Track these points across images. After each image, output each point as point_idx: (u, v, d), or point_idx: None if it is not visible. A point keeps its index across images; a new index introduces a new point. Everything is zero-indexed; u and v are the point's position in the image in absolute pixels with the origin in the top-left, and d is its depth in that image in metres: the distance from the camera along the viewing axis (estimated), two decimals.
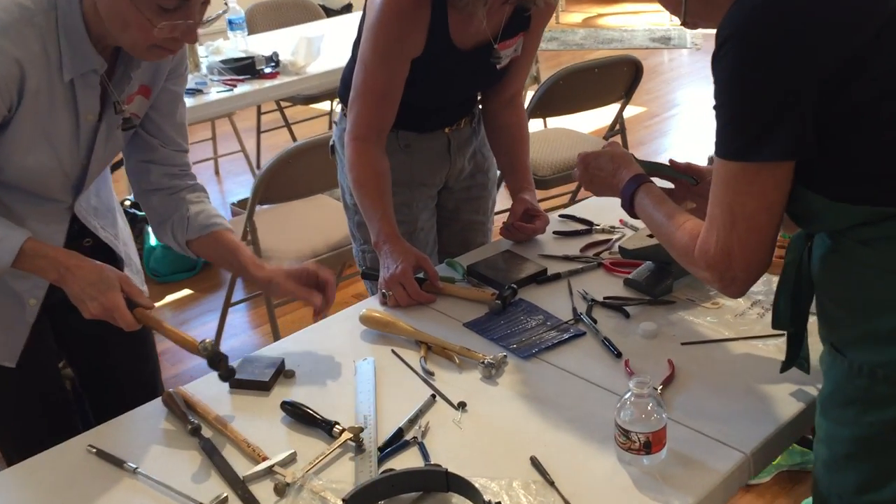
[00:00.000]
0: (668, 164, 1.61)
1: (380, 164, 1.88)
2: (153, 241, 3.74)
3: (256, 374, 1.53)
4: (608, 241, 1.98)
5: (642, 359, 1.53)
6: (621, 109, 3.66)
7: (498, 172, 2.21)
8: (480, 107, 2.13)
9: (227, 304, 3.22)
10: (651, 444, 1.25)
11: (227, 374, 1.48)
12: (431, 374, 1.52)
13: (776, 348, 1.53)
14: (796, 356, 1.39)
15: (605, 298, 1.73)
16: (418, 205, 2.08)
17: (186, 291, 3.77)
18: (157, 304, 1.91)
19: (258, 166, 5.09)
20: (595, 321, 1.65)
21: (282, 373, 1.55)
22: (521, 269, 1.83)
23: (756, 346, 1.55)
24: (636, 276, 1.78)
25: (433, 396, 1.46)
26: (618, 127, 3.73)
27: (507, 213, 2.02)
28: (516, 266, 1.85)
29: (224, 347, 3.25)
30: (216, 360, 1.47)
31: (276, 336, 2.88)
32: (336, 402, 1.47)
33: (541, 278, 1.82)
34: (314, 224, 3.01)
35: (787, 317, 1.32)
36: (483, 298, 1.74)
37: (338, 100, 2.11)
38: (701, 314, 1.67)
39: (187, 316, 3.60)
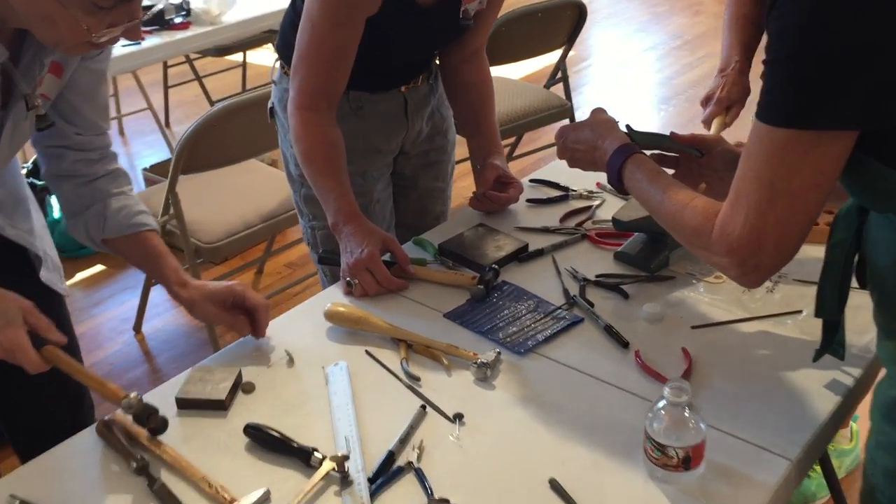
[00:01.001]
0: (668, 135, 1.42)
1: (331, 134, 1.64)
2: (57, 212, 3.38)
3: (209, 390, 1.29)
4: (588, 208, 1.79)
5: (651, 348, 1.36)
6: (564, 56, 3.46)
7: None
8: (438, 60, 1.89)
9: (149, 281, 2.93)
10: (690, 459, 1.08)
11: (159, 429, 1.21)
12: (416, 378, 1.31)
13: (795, 327, 1.38)
14: (831, 342, 1.24)
15: (597, 277, 1.55)
16: (373, 174, 1.85)
17: (99, 267, 3.43)
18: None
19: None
20: (592, 305, 1.46)
21: (239, 387, 1.32)
22: (500, 246, 1.63)
23: (773, 326, 1.40)
24: (628, 248, 1.60)
25: (423, 408, 1.25)
26: (559, 75, 3.53)
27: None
28: (493, 242, 1.65)
29: (147, 329, 2.97)
30: (143, 416, 1.20)
31: (211, 331, 2.62)
32: (308, 420, 1.25)
33: (522, 255, 1.62)
34: (244, 192, 2.73)
35: (836, 304, 1.16)
36: (462, 283, 1.53)
37: (276, 57, 1.84)
38: (705, 291, 1.50)
39: (102, 295, 3.27)
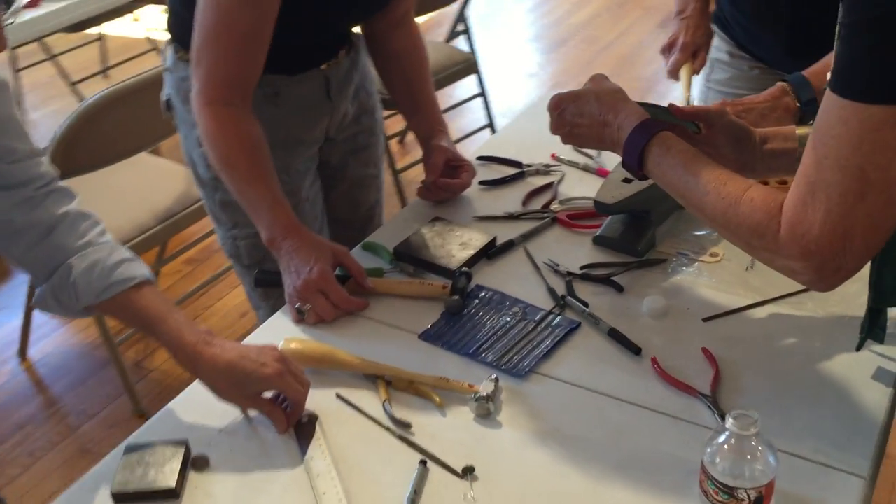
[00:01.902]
0: (665, 107, 1.23)
1: (252, 132, 1.37)
2: None
3: (153, 476, 1.03)
4: (550, 185, 1.59)
5: (665, 351, 1.18)
6: (464, 5, 3.22)
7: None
8: (359, 29, 1.63)
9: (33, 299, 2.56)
10: (762, 499, 0.91)
11: None
12: (406, 425, 1.09)
13: (815, 306, 1.24)
14: (874, 328, 1.09)
15: (583, 269, 1.35)
16: (298, 169, 1.58)
17: None
18: None
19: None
20: (586, 305, 1.27)
21: (189, 463, 1.06)
22: (464, 243, 1.41)
23: (790, 308, 1.24)
24: (608, 231, 1.42)
25: (423, 463, 1.03)
26: (461, 27, 3.29)
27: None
28: (455, 239, 1.42)
29: (34, 354, 2.61)
30: None
31: (108, 339, 2.29)
32: (286, 499, 1.01)
33: (491, 251, 1.41)
34: (132, 191, 2.38)
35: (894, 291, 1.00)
36: (432, 294, 1.31)
37: (169, 37, 1.53)
38: (705, 273, 1.33)
39: None
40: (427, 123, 1.61)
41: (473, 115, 3.71)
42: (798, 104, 1.38)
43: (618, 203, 1.35)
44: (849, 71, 0.80)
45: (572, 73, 4.38)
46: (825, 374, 1.13)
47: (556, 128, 1.19)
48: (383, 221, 1.85)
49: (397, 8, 1.56)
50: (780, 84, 1.41)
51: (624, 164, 1.09)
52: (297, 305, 1.26)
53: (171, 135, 2.36)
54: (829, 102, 0.82)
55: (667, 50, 1.66)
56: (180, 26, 1.46)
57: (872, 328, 1.09)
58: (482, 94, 3.32)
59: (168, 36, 1.53)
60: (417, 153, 3.73)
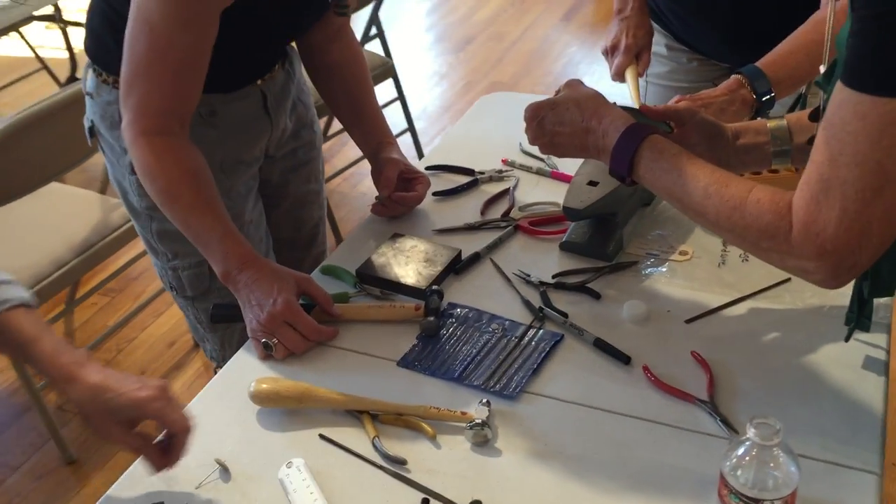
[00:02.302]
0: (637, 109, 1.19)
1: (193, 161, 1.27)
2: None
3: None
4: (506, 192, 1.54)
5: (653, 357, 1.15)
6: (377, 8, 3.14)
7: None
8: (293, 43, 1.55)
9: None
10: None
11: None
12: (401, 462, 1.02)
13: (793, 298, 1.23)
14: (861, 317, 1.09)
15: (555, 277, 1.31)
16: (240, 191, 1.49)
17: None
18: None
19: None
20: (566, 315, 1.23)
21: None
22: (430, 259, 1.35)
23: (769, 302, 1.23)
24: (575, 236, 1.38)
25: (426, 502, 0.97)
26: (374, 31, 3.22)
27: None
28: (417, 255, 1.36)
29: None
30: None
31: (28, 382, 2.12)
32: None
33: (458, 265, 1.35)
34: (43, 223, 2.21)
35: (893, 281, 0.99)
36: (405, 316, 1.24)
37: (88, 62, 1.41)
38: (678, 272, 1.31)
39: None
40: (374, 136, 1.54)
41: (391, 119, 3.63)
42: (754, 96, 1.37)
43: (588, 207, 1.31)
44: (866, 64, 0.78)
45: (483, 72, 4.36)
46: (816, 367, 1.12)
47: (534, 138, 1.14)
48: (326, 240, 1.77)
49: (334, 19, 1.49)
50: (735, 77, 1.39)
51: (612, 172, 1.05)
52: (263, 340, 1.17)
53: (85, 160, 2.21)
54: (843, 97, 0.80)
55: (609, 52, 1.64)
56: (101, 49, 1.35)
57: (860, 318, 1.08)
58: (400, 98, 3.25)
59: (88, 60, 1.41)
60: (337, 162, 3.62)
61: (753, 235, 0.91)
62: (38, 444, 2.27)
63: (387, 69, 3.09)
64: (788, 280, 1.26)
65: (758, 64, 1.39)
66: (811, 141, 0.98)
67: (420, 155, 3.36)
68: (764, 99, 1.36)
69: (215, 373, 1.58)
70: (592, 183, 1.35)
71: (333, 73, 1.54)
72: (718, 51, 1.72)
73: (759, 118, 1.41)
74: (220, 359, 1.57)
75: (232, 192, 1.47)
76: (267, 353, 1.18)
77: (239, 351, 1.22)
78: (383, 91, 3.35)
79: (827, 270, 0.86)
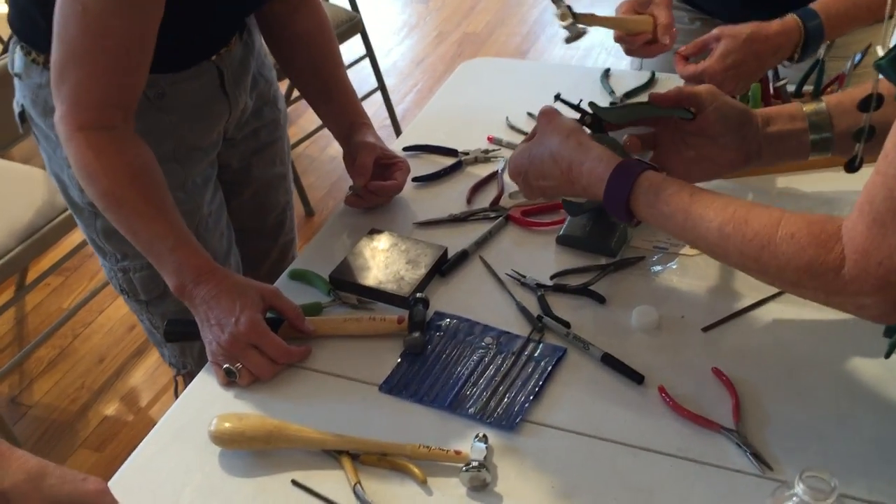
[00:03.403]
0: (646, 101, 1.04)
1: (139, 157, 1.11)
2: None
3: None
4: (494, 175, 1.39)
5: (669, 375, 1.02)
6: None
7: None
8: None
9: None
10: None
11: None
12: None
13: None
14: None
15: (554, 278, 1.17)
16: (196, 181, 1.32)
17: None
18: None
19: None
20: (568, 325, 1.09)
21: None
22: (412, 260, 1.19)
23: (793, 305, 1.10)
24: (574, 229, 1.23)
25: None
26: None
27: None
28: (399, 255, 1.21)
29: None
30: None
31: None
32: None
33: (444, 266, 1.20)
34: None
35: None
36: (386, 331, 1.09)
37: (11, 36, 1.22)
38: (689, 269, 1.18)
39: None
40: (345, 116, 1.36)
41: (359, 77, 3.43)
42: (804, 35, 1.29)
43: (591, 199, 1.16)
44: None
45: (455, 21, 4.15)
46: (854, 388, 0.99)
47: (528, 195, 1.05)
48: (294, 227, 1.61)
49: None
50: (791, 17, 1.30)
51: (609, 210, 0.93)
52: (225, 366, 1.02)
53: (17, 143, 2.02)
54: None
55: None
56: (28, 24, 1.16)
57: None
58: (369, 55, 3.05)
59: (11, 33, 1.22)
60: (305, 123, 3.41)
61: (792, 275, 0.77)
62: None
63: (353, 24, 2.89)
64: None
65: (814, 6, 1.30)
66: (859, 135, 0.84)
67: (392, 115, 3.18)
68: (808, 46, 1.29)
69: (175, 381, 1.44)
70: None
71: (297, 45, 1.36)
72: (727, 10, 1.56)
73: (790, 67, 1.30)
74: (181, 366, 1.42)
75: (187, 184, 1.30)
76: (230, 380, 1.03)
77: (198, 377, 1.07)
78: (351, 48, 3.17)
79: (889, 304, 0.73)
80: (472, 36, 4.00)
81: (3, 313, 2.37)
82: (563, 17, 1.29)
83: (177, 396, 1.08)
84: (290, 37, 1.36)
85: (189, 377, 1.26)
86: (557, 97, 1.18)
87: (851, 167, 0.87)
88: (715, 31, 1.31)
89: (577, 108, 1.10)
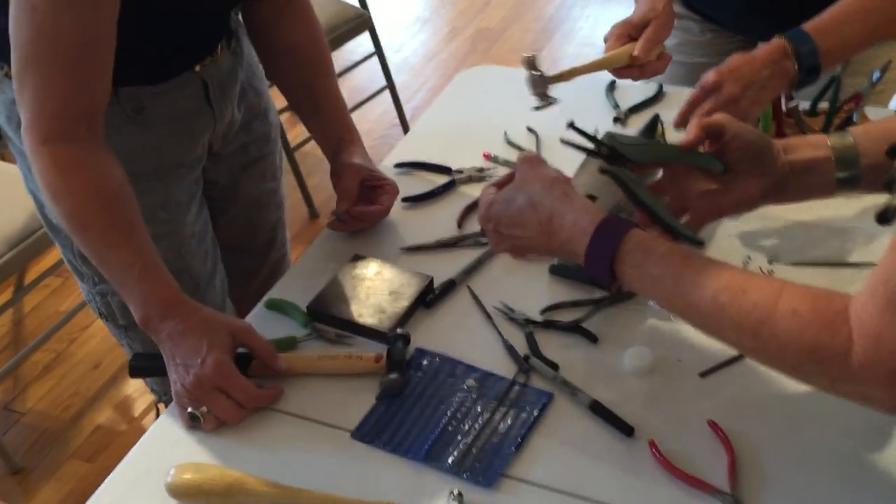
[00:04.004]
0: (670, 144, 0.96)
1: (106, 177, 1.04)
2: None
3: None
4: None
5: (661, 427, 0.94)
6: None
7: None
8: (241, 17, 1.30)
9: None
10: None
11: None
12: None
13: None
14: None
15: (544, 313, 1.10)
16: (179, 199, 1.27)
17: None
18: None
19: None
20: (556, 367, 1.02)
21: None
22: (395, 291, 1.13)
23: None
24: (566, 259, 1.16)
25: None
26: None
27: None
28: (382, 285, 1.14)
29: None
30: None
31: None
32: None
33: (429, 297, 1.14)
34: None
35: None
36: (363, 370, 1.03)
37: None
38: None
39: None
40: (332, 131, 1.30)
41: (368, 75, 3.37)
42: (797, 67, 1.13)
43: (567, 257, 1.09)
44: None
45: (469, 16, 4.07)
46: (863, 445, 0.91)
47: (495, 245, 0.95)
48: (286, 241, 1.55)
49: None
50: (776, 42, 1.14)
51: (591, 276, 0.85)
52: (189, 410, 0.96)
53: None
54: None
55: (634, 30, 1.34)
56: None
57: None
58: (378, 53, 2.98)
59: None
60: None
61: (792, 358, 0.69)
62: None
63: (362, 22, 2.82)
64: None
65: (805, 27, 1.15)
66: (891, 185, 0.75)
67: (401, 114, 3.10)
68: (808, 75, 1.14)
69: (156, 408, 1.38)
70: (590, 197, 1.12)
71: (283, 56, 1.30)
72: (740, 20, 1.48)
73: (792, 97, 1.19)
74: (161, 392, 1.37)
75: (170, 203, 1.25)
76: (193, 425, 0.97)
77: (161, 417, 1.01)
78: (359, 45, 3.10)
79: None
80: (485, 31, 3.91)
81: (1, 314, 2.34)
82: (534, 85, 1.20)
83: (157, 417, 1.03)
84: (277, 47, 1.29)
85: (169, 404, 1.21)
86: (571, 125, 1.00)
87: (884, 219, 0.79)
88: (711, 77, 1.15)
89: (592, 138, 0.97)
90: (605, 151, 0.95)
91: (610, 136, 0.97)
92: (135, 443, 0.98)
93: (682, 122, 1.14)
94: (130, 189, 1.06)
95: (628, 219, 0.85)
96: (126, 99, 1.14)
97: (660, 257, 0.78)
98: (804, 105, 1.31)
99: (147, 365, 1.07)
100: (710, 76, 1.12)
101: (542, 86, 1.26)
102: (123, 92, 1.13)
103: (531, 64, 1.24)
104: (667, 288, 0.77)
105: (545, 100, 1.26)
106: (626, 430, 0.94)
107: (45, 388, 2.25)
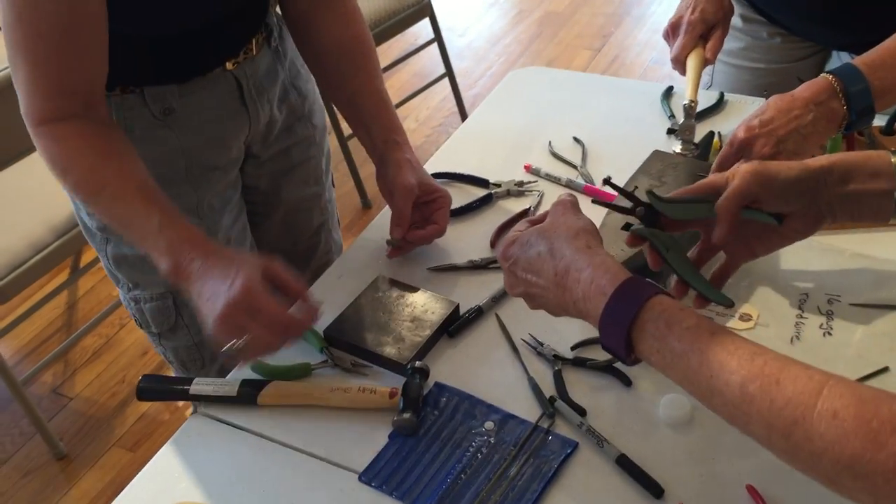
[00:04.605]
0: (695, 198, 0.86)
1: (109, 144, 1.01)
2: None
3: None
4: (524, 213, 1.24)
5: (693, 488, 0.86)
6: None
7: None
8: (280, 11, 1.24)
9: None
10: None
11: None
12: None
13: None
14: None
15: (574, 349, 1.02)
16: (213, 204, 1.22)
17: None
18: None
19: None
20: (584, 413, 0.94)
21: None
22: (417, 318, 1.06)
23: None
24: None
25: None
26: None
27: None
28: (404, 309, 1.08)
29: None
30: None
31: (6, 375, 1.94)
32: None
33: (454, 326, 1.07)
34: (20, 200, 1.99)
35: None
36: (376, 405, 0.97)
37: None
38: None
39: None
40: (378, 134, 1.20)
41: (430, 60, 3.29)
42: (845, 108, 1.01)
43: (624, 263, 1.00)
44: None
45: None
46: None
47: (509, 287, 0.86)
48: (333, 243, 1.49)
49: None
50: (823, 79, 1.01)
51: (605, 346, 0.75)
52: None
53: None
54: None
55: (671, 31, 1.28)
56: None
57: None
58: (437, 40, 2.90)
59: None
60: None
61: (828, 468, 0.60)
62: (29, 434, 2.11)
63: (421, 8, 2.74)
64: (886, 370, 0.96)
65: (856, 63, 1.02)
66: None
67: (459, 102, 3.02)
68: (861, 117, 1.01)
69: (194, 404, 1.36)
70: (629, 227, 1.03)
71: (322, 55, 1.23)
72: (810, 27, 1.35)
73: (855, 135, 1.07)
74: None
75: (202, 208, 1.21)
76: (234, 357, 0.92)
77: (161, 452, 0.96)
78: (420, 31, 3.03)
79: None
80: (553, 15, 3.79)
81: (56, 296, 2.37)
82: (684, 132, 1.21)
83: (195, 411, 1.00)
84: (317, 44, 1.22)
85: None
86: (607, 181, 0.93)
87: None
88: (740, 134, 1.04)
89: (629, 195, 0.88)
90: (641, 212, 0.87)
91: (650, 194, 0.87)
92: None
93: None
94: (135, 150, 1.03)
95: (652, 281, 0.75)
96: (152, 100, 1.10)
97: (685, 330, 0.68)
98: (879, 122, 1.19)
99: (154, 387, 1.02)
100: (739, 132, 1.00)
101: (691, 135, 1.22)
102: (149, 92, 1.09)
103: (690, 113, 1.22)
104: (690, 367, 0.68)
105: (687, 145, 1.24)
106: (655, 489, 0.86)
107: (93, 373, 2.27)
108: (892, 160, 0.82)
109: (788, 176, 0.83)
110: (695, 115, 1.23)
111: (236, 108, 1.19)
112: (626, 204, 0.89)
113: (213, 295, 0.92)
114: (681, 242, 0.86)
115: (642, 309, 0.71)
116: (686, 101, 1.21)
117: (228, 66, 1.16)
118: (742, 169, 0.83)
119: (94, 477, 2.00)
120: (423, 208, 1.17)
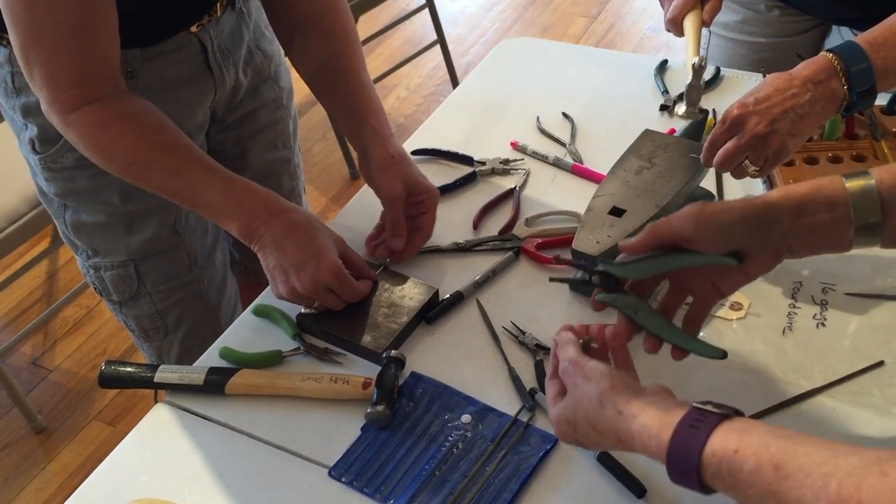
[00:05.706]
0: (671, 253, 0.80)
1: (147, 117, 1.01)
2: None
3: None
4: (511, 192, 1.19)
5: (675, 487, 0.82)
6: None
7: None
8: None
9: None
10: None
11: None
12: None
13: (888, 396, 0.89)
14: None
15: None
16: None
17: None
18: None
19: None
20: None
21: None
22: (395, 304, 1.02)
23: (851, 399, 0.89)
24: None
25: None
26: None
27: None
28: (381, 294, 1.03)
29: None
30: None
31: None
32: None
33: (431, 312, 1.02)
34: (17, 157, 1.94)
35: None
36: (348, 396, 0.93)
37: None
38: (726, 337, 0.98)
39: None
40: (355, 114, 1.12)
41: (422, 26, 3.21)
42: (846, 88, 0.95)
43: (607, 252, 0.96)
44: None
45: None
46: None
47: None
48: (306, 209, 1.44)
49: None
50: (822, 58, 0.94)
51: (674, 479, 0.69)
52: (302, 311, 1.02)
53: None
54: None
55: None
56: None
57: None
58: (429, 4, 2.82)
59: None
60: None
61: None
62: (7, 406, 2.08)
63: None
64: (881, 364, 0.92)
65: (857, 41, 0.95)
66: None
67: (451, 71, 2.95)
68: (862, 99, 0.95)
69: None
70: (616, 211, 0.99)
71: (298, 27, 1.16)
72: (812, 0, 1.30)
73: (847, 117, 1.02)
74: None
75: None
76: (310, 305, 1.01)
77: (117, 450, 0.92)
78: None
79: None
80: None
81: (37, 263, 2.31)
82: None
83: (156, 401, 0.96)
84: (294, 21, 1.15)
85: None
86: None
87: None
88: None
89: (584, 267, 0.85)
90: (598, 280, 0.83)
91: (603, 262, 0.83)
92: None
93: (709, 163, 0.98)
94: (170, 120, 1.01)
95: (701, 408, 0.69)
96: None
97: (749, 475, 0.61)
98: (880, 102, 1.14)
99: (120, 375, 0.98)
100: (732, 109, 0.94)
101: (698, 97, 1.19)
102: None
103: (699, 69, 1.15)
104: (772, 488, 0.61)
105: (692, 109, 1.20)
106: (636, 489, 0.83)
107: (73, 345, 2.23)
108: (847, 185, 0.77)
109: (730, 217, 0.78)
110: (703, 74, 1.15)
111: (201, 72, 1.14)
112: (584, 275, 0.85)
113: (294, 266, 0.97)
114: (648, 302, 0.82)
115: (701, 469, 0.65)
116: (694, 60, 1.13)
117: (192, 29, 1.11)
118: (681, 212, 0.79)
119: (74, 451, 1.97)
120: (409, 208, 1.10)
